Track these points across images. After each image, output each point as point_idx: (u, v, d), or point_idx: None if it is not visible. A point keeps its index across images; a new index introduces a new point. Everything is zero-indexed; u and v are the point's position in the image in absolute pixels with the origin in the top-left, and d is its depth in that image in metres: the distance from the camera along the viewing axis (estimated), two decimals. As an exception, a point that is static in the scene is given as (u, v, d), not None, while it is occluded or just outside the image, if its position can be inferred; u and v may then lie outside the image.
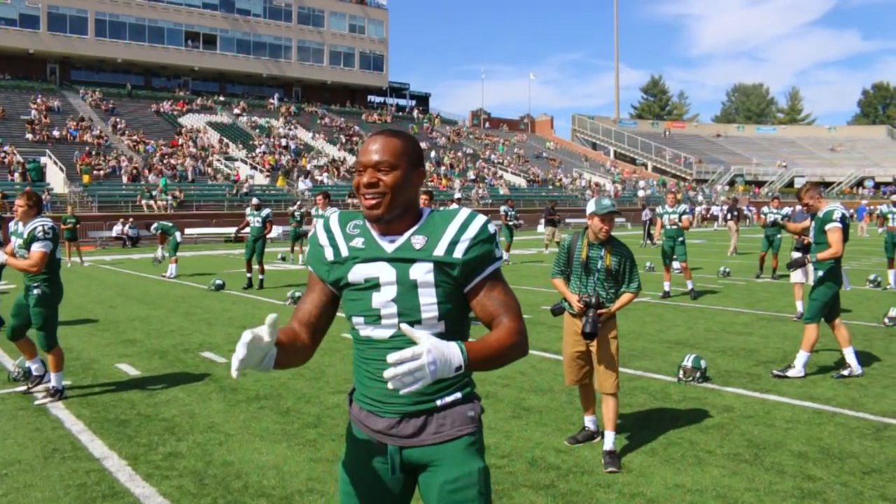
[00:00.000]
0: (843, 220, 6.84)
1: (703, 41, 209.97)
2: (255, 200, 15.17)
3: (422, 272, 2.04)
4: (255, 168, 42.37)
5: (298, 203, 21.61)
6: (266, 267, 15.31)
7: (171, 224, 17.46)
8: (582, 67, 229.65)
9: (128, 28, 52.77)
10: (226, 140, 46.70)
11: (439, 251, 2.04)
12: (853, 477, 4.37)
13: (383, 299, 2.06)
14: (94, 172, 35.81)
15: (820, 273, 6.97)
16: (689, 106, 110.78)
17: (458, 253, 2.04)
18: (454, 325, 2.08)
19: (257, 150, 45.78)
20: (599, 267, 4.79)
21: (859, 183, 69.45)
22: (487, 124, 73.20)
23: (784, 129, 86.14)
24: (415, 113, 68.00)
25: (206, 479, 4.43)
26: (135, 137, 42.79)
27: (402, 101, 71.76)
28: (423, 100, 73.84)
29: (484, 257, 2.06)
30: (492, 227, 2.10)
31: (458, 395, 2.11)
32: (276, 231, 15.50)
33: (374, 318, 2.08)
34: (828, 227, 6.85)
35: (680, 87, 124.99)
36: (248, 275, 14.61)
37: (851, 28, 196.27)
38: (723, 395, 6.23)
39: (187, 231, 29.54)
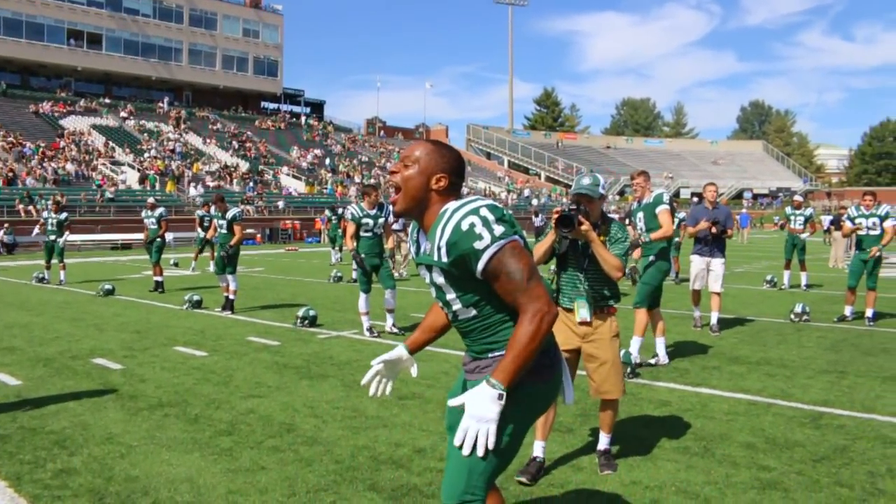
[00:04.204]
0: (671, 203, 7.11)
1: (593, 57, 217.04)
2: (150, 200, 14.28)
3: (436, 275, 2.24)
4: (142, 173, 40.39)
5: (205, 208, 19.97)
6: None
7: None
8: (475, 80, 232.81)
9: (2, 23, 49.39)
10: (112, 144, 44.39)
11: (434, 257, 2.18)
12: (805, 465, 4.23)
13: (433, 294, 2.35)
14: (-36, 175, 33.28)
15: (651, 257, 7.16)
16: (581, 118, 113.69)
17: (444, 257, 2.14)
18: (485, 307, 2.20)
19: (146, 155, 43.74)
20: (590, 252, 4.10)
21: (739, 194, 72.90)
22: (383, 133, 72.68)
23: (670, 143, 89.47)
24: (303, 119, 66.51)
25: (106, 497, 3.83)
26: (11, 139, 40.05)
27: (296, 108, 70.31)
28: (317, 107, 72.53)
29: (466, 257, 2.10)
30: (466, 224, 2.08)
31: (503, 352, 2.21)
32: (168, 236, 14.51)
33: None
34: (658, 209, 7.05)
35: (571, 101, 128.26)
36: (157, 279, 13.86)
37: (728, 50, 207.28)
38: (656, 390, 6.06)
39: (70, 237, 27.66)
